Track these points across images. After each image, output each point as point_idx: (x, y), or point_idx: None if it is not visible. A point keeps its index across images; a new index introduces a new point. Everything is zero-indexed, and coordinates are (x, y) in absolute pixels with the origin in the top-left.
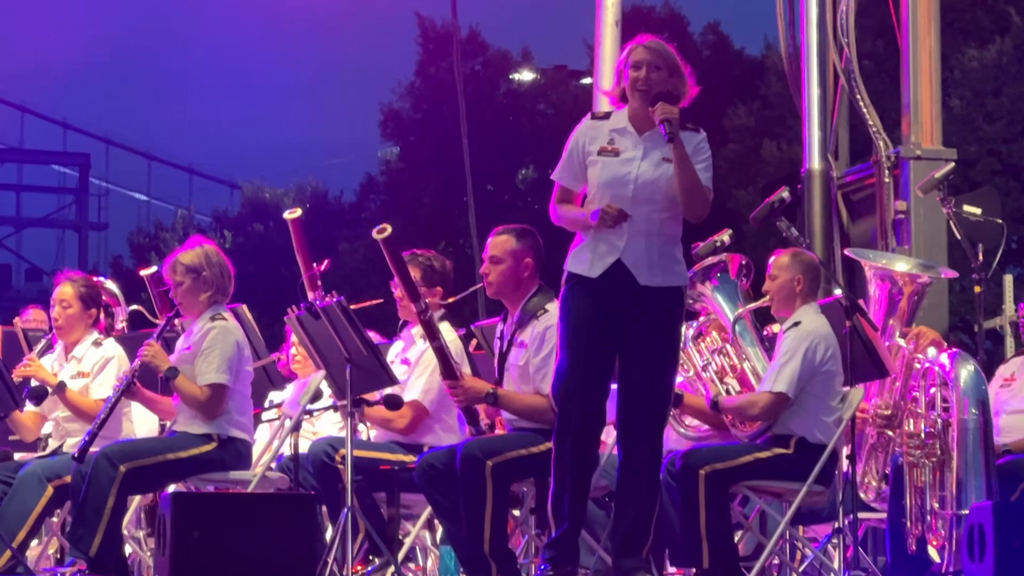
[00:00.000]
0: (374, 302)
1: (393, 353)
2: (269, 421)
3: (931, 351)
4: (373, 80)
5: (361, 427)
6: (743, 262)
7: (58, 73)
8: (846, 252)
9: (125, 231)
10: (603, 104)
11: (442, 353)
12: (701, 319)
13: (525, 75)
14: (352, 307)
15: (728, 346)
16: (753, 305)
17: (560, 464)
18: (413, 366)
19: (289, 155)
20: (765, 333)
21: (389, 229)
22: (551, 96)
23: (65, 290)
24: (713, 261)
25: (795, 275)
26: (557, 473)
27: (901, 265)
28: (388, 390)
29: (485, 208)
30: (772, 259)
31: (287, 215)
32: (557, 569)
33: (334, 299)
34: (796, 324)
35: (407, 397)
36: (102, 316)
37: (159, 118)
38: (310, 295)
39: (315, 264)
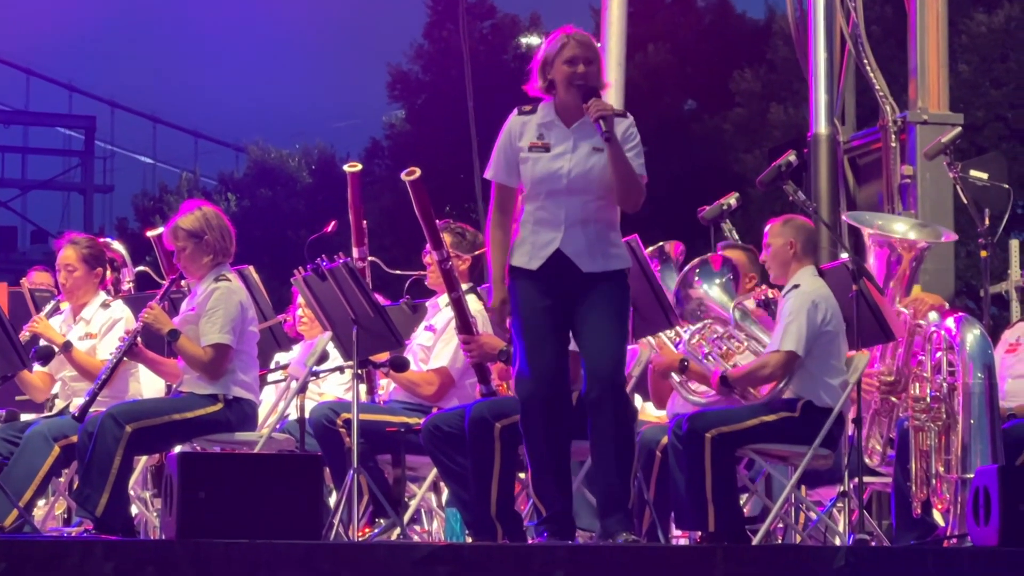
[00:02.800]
0: (416, 274)
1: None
2: (275, 382)
3: (932, 316)
4: (381, 43)
5: (363, 388)
6: (680, 248)
7: (64, 36)
8: (844, 217)
9: (130, 194)
10: (611, 71)
11: (459, 305)
12: (698, 325)
13: (532, 39)
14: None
15: (733, 330)
16: (746, 297)
17: (535, 450)
18: (439, 333)
19: (296, 118)
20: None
21: (418, 172)
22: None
23: (68, 254)
24: (670, 256)
25: (788, 239)
26: (534, 459)
27: (899, 226)
28: (395, 352)
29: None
30: (767, 228)
31: (347, 168)
32: (556, 538)
33: (340, 260)
34: (795, 287)
35: (433, 364)
36: (109, 273)
37: (165, 81)
38: (355, 252)
39: (364, 221)
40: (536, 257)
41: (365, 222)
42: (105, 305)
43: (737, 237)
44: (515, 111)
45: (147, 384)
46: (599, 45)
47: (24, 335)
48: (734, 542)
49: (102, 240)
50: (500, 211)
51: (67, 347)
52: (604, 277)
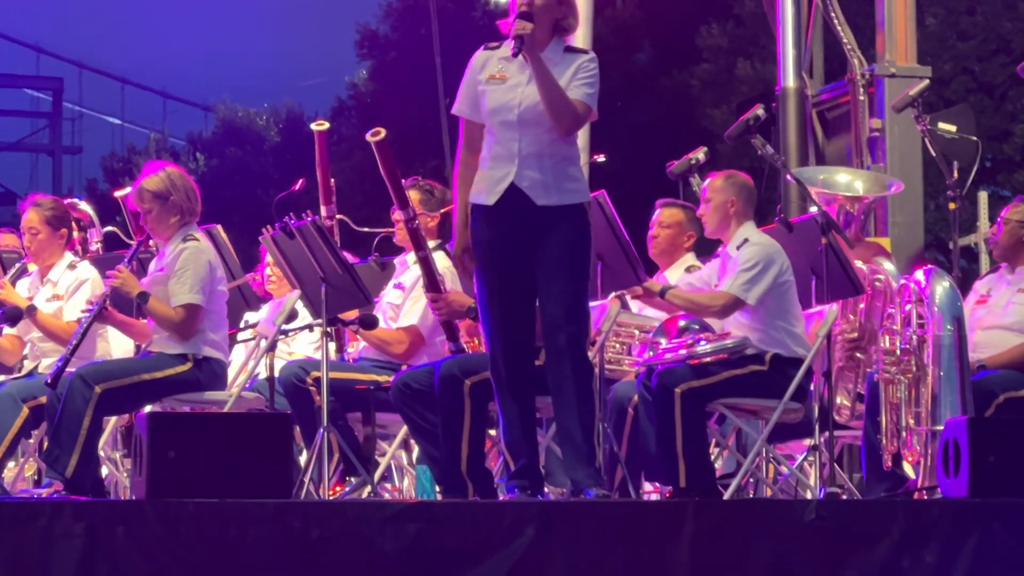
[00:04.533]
0: (384, 231)
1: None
2: (244, 341)
3: (887, 265)
4: (350, 1)
5: (333, 346)
6: None
7: None
8: (787, 176)
9: (99, 155)
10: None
11: (427, 264)
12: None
13: None
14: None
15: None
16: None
17: (502, 401)
18: (408, 291)
19: (264, 77)
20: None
21: (383, 132)
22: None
23: (31, 217)
24: None
25: (728, 196)
26: (503, 410)
27: (842, 178)
28: (364, 310)
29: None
30: (707, 182)
31: (314, 126)
32: (525, 493)
33: (308, 219)
34: (745, 240)
35: (403, 322)
36: (76, 234)
37: (133, 42)
38: (323, 210)
39: (332, 179)
40: (492, 192)
41: (333, 180)
42: (72, 266)
43: None
44: (482, 47)
45: (116, 344)
46: None
47: None
48: (705, 497)
49: (68, 201)
50: (467, 149)
51: (31, 310)
52: (560, 212)
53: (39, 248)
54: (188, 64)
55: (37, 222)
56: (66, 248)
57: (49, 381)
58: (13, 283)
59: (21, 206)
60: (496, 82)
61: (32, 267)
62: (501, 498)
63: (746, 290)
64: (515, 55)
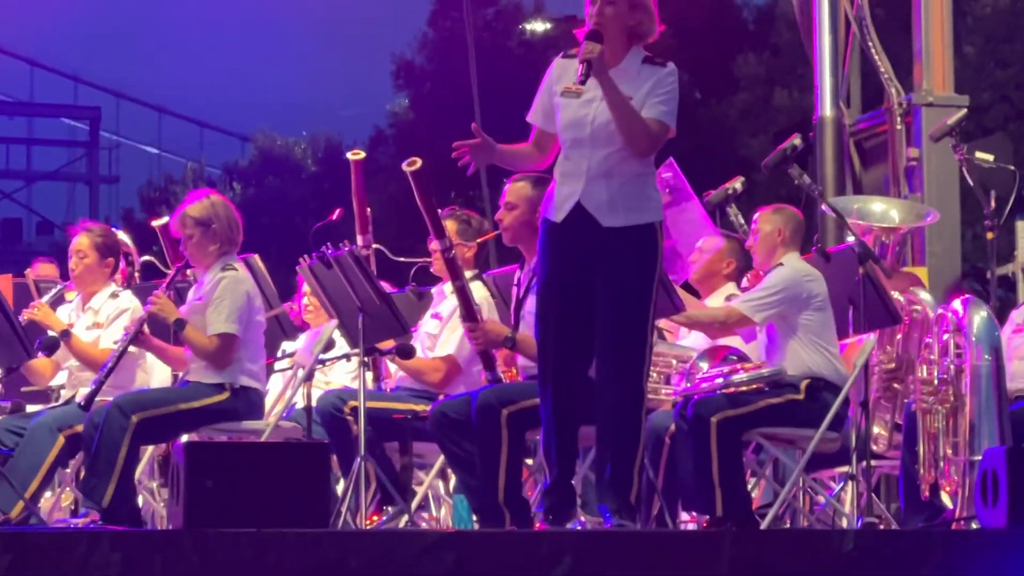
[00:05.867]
0: (421, 261)
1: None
2: (282, 371)
3: (924, 295)
4: (385, 31)
5: (370, 376)
6: None
7: (69, 26)
8: (822, 207)
9: (136, 184)
10: None
11: (463, 294)
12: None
13: (537, 26)
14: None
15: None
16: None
17: (544, 412)
18: (445, 320)
19: (301, 107)
20: (745, 286)
21: (419, 162)
22: (562, 46)
23: (81, 240)
24: None
25: (777, 226)
26: (543, 421)
27: (877, 206)
28: (401, 339)
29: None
30: (756, 215)
31: (350, 156)
32: (554, 517)
33: (345, 248)
34: (779, 265)
35: (440, 352)
36: (123, 265)
37: (170, 71)
38: (360, 239)
39: (368, 208)
40: (560, 210)
41: (369, 210)
42: (114, 295)
43: (743, 221)
44: (560, 55)
45: (155, 373)
46: None
47: (23, 319)
48: (742, 526)
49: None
50: (532, 144)
51: (66, 334)
52: (627, 233)
53: (84, 273)
54: (225, 93)
55: (86, 246)
56: (111, 278)
57: (82, 404)
58: (52, 308)
59: (70, 230)
60: (571, 95)
61: (71, 295)
62: (538, 527)
63: (756, 309)
64: (582, 82)
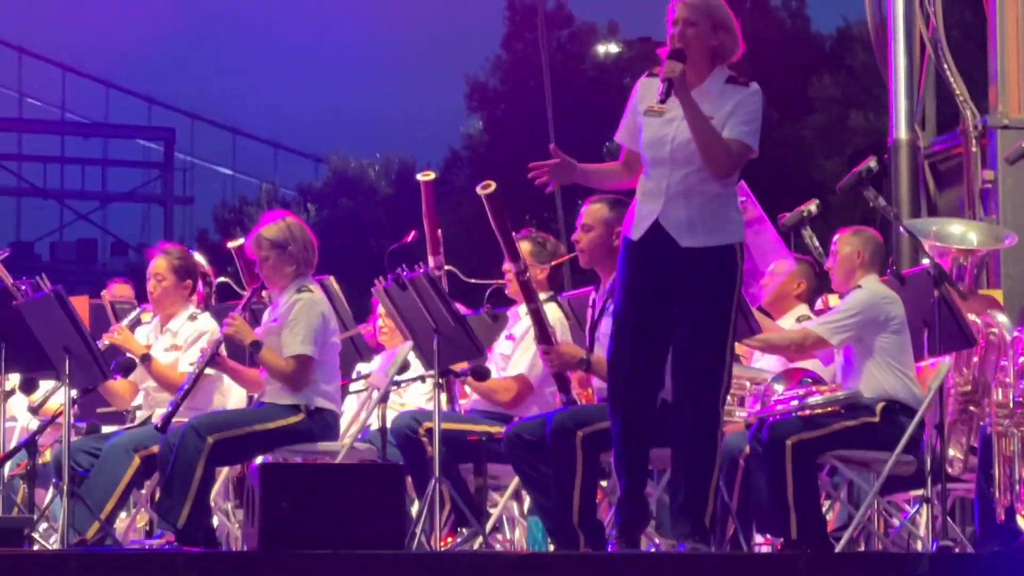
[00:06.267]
0: (496, 283)
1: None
2: (356, 392)
3: (1000, 318)
4: (458, 53)
5: (444, 398)
6: None
7: (143, 48)
8: (900, 229)
9: (210, 205)
10: None
11: (538, 316)
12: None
13: (611, 47)
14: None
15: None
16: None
17: (614, 428)
18: (518, 341)
19: (374, 129)
20: (819, 308)
21: (493, 185)
22: (636, 68)
23: (159, 263)
24: None
25: (857, 248)
26: (613, 437)
27: (955, 228)
28: (476, 361)
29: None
30: (836, 237)
31: (420, 177)
32: (624, 534)
33: (421, 270)
34: (857, 287)
35: (511, 371)
36: (200, 286)
37: (244, 92)
38: (432, 261)
39: (439, 230)
40: (638, 228)
41: (440, 231)
42: (192, 318)
43: (818, 244)
44: (646, 73)
45: (232, 395)
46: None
47: (103, 343)
48: (817, 549)
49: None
50: (623, 165)
51: (146, 359)
52: (706, 254)
53: (162, 295)
54: (299, 115)
55: (164, 269)
56: (189, 299)
57: (159, 425)
58: (130, 330)
59: (148, 252)
60: (654, 115)
61: (146, 316)
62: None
63: (833, 332)
64: (663, 100)
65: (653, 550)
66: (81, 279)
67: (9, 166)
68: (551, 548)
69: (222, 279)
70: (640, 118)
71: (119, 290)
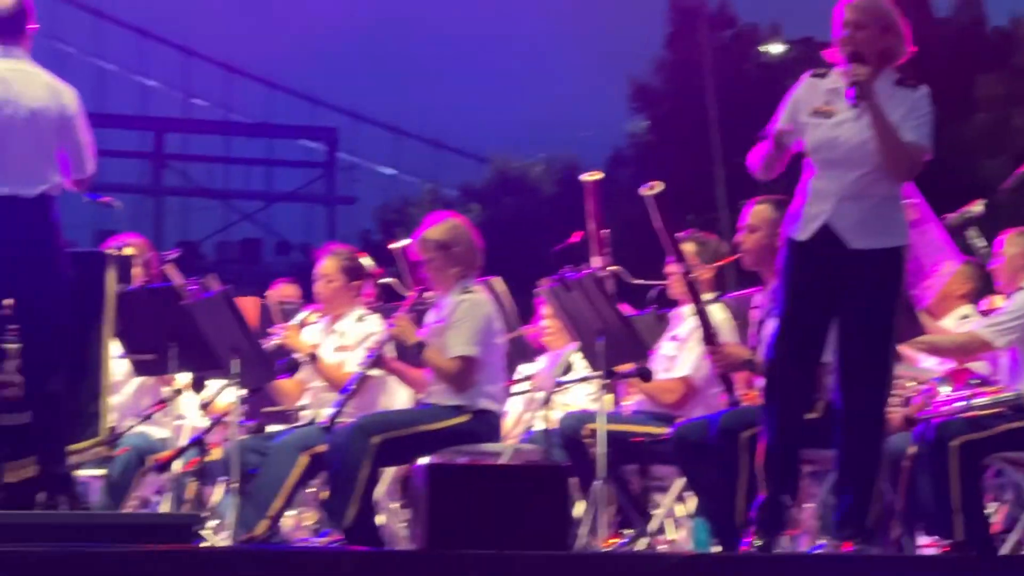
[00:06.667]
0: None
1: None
2: (521, 393)
3: None
4: (622, 54)
5: (609, 398)
6: None
7: (305, 48)
8: None
9: (372, 205)
10: None
11: (702, 317)
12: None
13: (774, 48)
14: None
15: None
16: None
17: (768, 429)
18: (682, 342)
19: (536, 128)
20: (983, 310)
21: (659, 186)
22: (800, 69)
23: (329, 264)
24: None
25: (1021, 249)
26: (767, 437)
27: None
28: (641, 362)
29: (734, 182)
30: (1001, 238)
31: (585, 177)
32: (764, 534)
33: (586, 271)
34: (1021, 288)
35: (676, 373)
36: (368, 287)
37: (406, 92)
38: (596, 261)
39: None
40: (806, 229)
41: (606, 232)
42: (360, 319)
43: (984, 244)
44: (809, 72)
45: (398, 395)
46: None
47: (272, 344)
48: (982, 551)
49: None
50: (763, 166)
51: (313, 358)
52: (874, 256)
53: (331, 296)
54: (461, 114)
55: (334, 269)
56: (357, 300)
57: (326, 425)
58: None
59: (317, 253)
60: (822, 116)
61: (312, 317)
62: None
63: (999, 334)
64: (854, 104)
65: (819, 551)
66: (245, 279)
67: (176, 166)
68: (715, 550)
69: (385, 280)
70: (803, 118)
71: (285, 290)
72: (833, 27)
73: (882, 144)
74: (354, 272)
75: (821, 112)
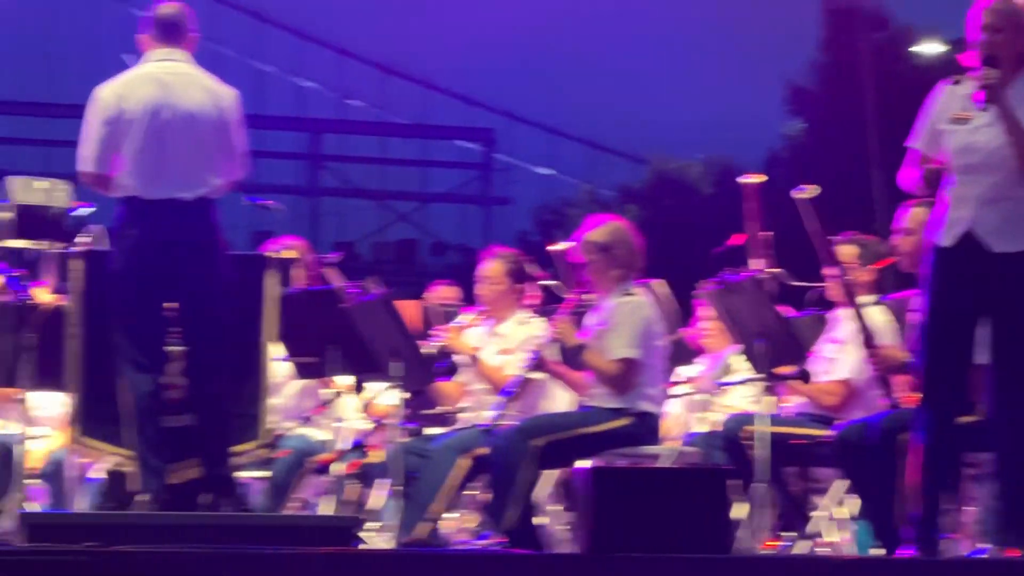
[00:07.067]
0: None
1: None
2: (681, 395)
3: None
4: (778, 56)
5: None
6: None
7: (462, 48)
8: None
9: (528, 206)
10: None
11: (861, 319)
12: None
13: (929, 48)
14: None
15: None
16: None
17: (924, 438)
18: (842, 344)
19: (693, 130)
20: None
21: (812, 190)
22: (958, 70)
23: (494, 267)
24: None
25: None
26: (924, 448)
27: None
28: (801, 364)
29: (890, 184)
30: None
31: (745, 180)
32: (921, 541)
33: (747, 273)
34: None
35: (836, 375)
36: (532, 290)
37: (562, 93)
38: (756, 264)
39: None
40: (949, 235)
41: (767, 234)
42: (523, 322)
43: None
44: (944, 81)
45: (560, 398)
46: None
47: (434, 346)
48: None
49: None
50: (917, 187)
51: (475, 360)
52: (1018, 259)
53: (495, 299)
54: (619, 115)
55: (498, 273)
56: (519, 303)
57: (487, 428)
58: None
59: (481, 255)
60: (960, 123)
61: (467, 318)
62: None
63: None
64: (983, 108)
65: (981, 556)
66: (401, 280)
67: (332, 167)
68: (877, 552)
69: (544, 282)
70: (941, 126)
71: (444, 292)
72: (968, 31)
73: (1016, 146)
74: (518, 275)
75: (958, 119)
